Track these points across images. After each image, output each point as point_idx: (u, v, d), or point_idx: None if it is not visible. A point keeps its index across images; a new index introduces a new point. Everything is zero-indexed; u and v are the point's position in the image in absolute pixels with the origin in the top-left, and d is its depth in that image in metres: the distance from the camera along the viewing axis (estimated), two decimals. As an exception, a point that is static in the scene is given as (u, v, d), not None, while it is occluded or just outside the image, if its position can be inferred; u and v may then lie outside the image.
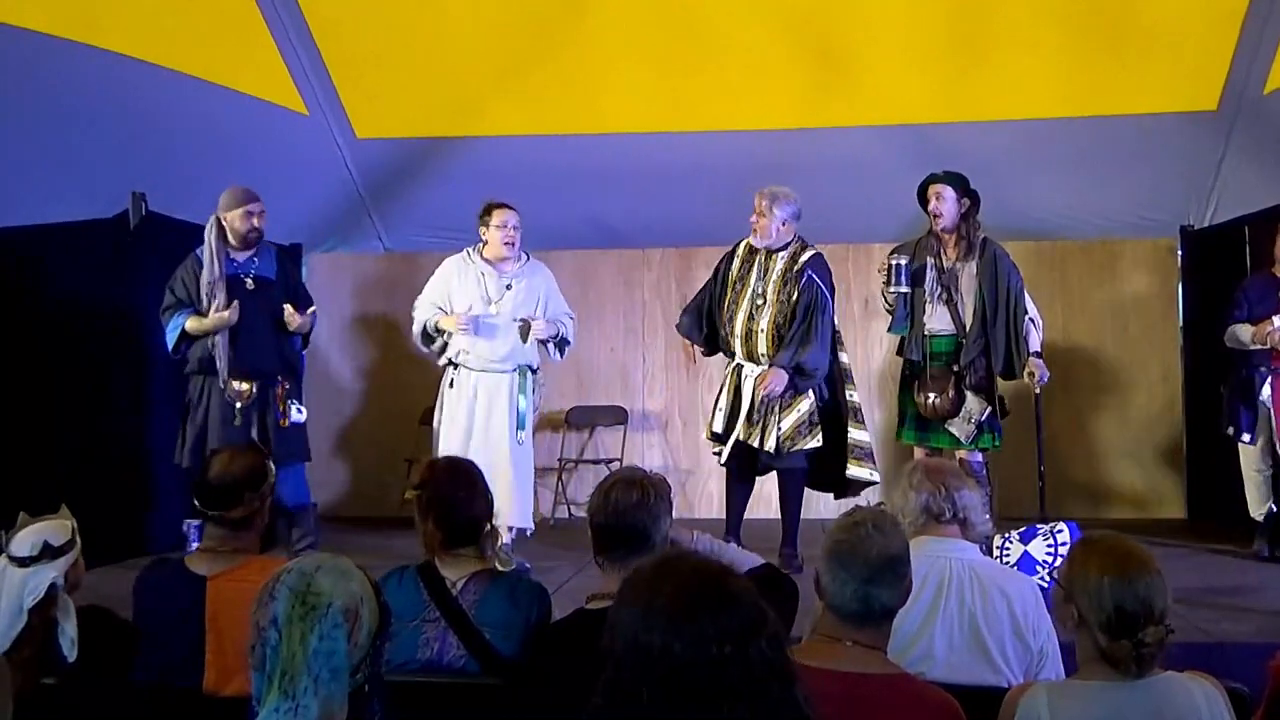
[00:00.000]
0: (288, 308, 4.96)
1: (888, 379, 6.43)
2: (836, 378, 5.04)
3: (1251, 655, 2.69)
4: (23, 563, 2.37)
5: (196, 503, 2.61)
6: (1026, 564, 4.16)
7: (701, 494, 6.83)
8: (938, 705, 1.94)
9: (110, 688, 2.46)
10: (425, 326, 5.15)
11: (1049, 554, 4.18)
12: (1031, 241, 6.69)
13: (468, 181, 6.83)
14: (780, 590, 2.48)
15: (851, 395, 5.06)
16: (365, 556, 5.22)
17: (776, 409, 4.87)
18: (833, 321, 5.01)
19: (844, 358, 5.12)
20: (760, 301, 4.95)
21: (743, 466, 5.04)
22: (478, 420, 5.10)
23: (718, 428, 5.04)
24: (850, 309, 6.84)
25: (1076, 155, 6.47)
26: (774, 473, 5.07)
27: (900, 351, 5.16)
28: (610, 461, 6.74)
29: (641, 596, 1.45)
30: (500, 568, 4.98)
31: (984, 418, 4.90)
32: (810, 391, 4.91)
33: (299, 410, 5.07)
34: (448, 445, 5.02)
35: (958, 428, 4.91)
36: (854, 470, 4.98)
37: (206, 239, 4.92)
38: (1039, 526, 4.37)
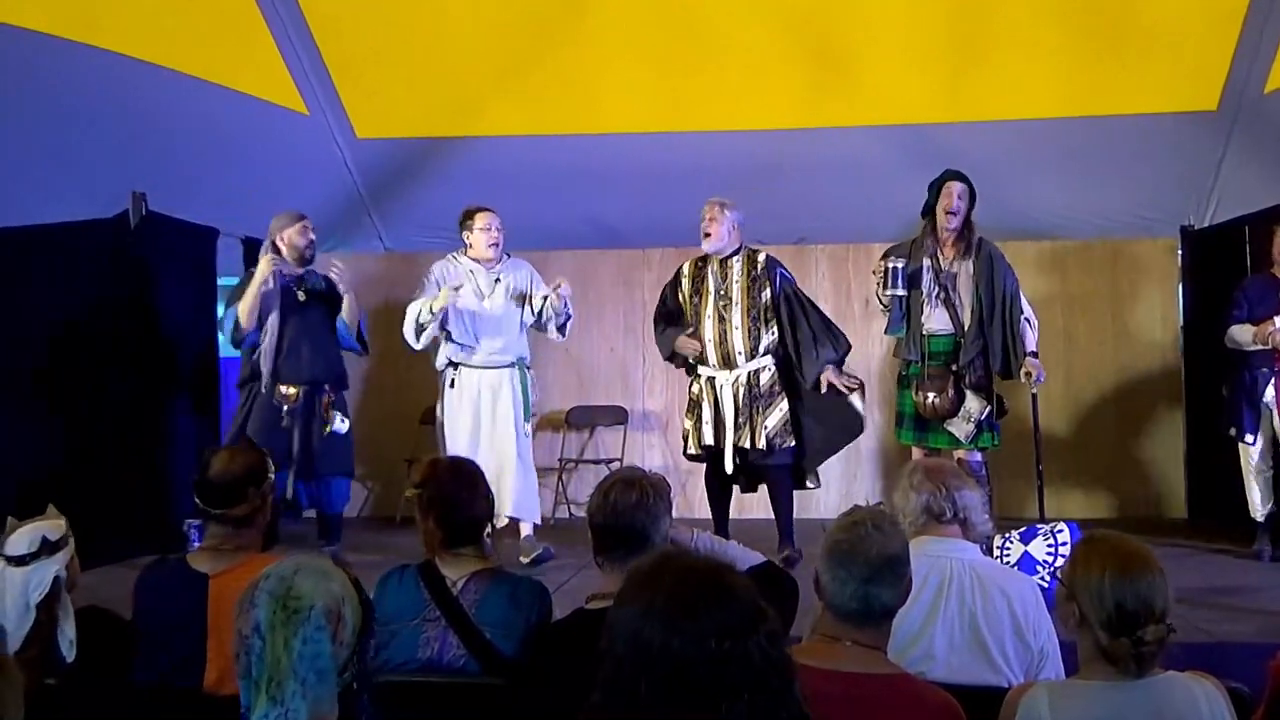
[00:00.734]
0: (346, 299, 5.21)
1: (888, 379, 6.43)
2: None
3: (1252, 655, 2.69)
4: (22, 561, 2.38)
5: (198, 501, 2.61)
6: (1026, 564, 4.16)
7: (701, 494, 6.78)
8: (938, 705, 1.94)
9: (111, 688, 2.46)
10: (417, 317, 5.12)
11: (1049, 554, 4.18)
12: (1031, 241, 6.69)
13: (468, 181, 6.83)
14: (780, 587, 2.48)
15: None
16: (365, 556, 5.30)
17: (761, 409, 4.98)
18: None
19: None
20: (725, 303, 5.05)
21: (723, 475, 5.13)
22: (484, 417, 5.13)
23: (709, 440, 5.06)
24: (850, 309, 6.84)
25: (1076, 155, 6.47)
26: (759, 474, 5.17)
27: (896, 352, 5.17)
28: (610, 461, 6.74)
29: (641, 594, 1.45)
30: (524, 558, 5.09)
31: (983, 416, 4.91)
32: (785, 392, 5.04)
33: (342, 420, 5.21)
34: (454, 445, 5.06)
35: (957, 427, 4.91)
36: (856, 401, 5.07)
37: (261, 258, 5.22)
38: (1039, 526, 4.36)
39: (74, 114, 5.65)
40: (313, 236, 5.33)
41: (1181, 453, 6.68)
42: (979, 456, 4.98)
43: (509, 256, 5.35)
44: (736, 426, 4.98)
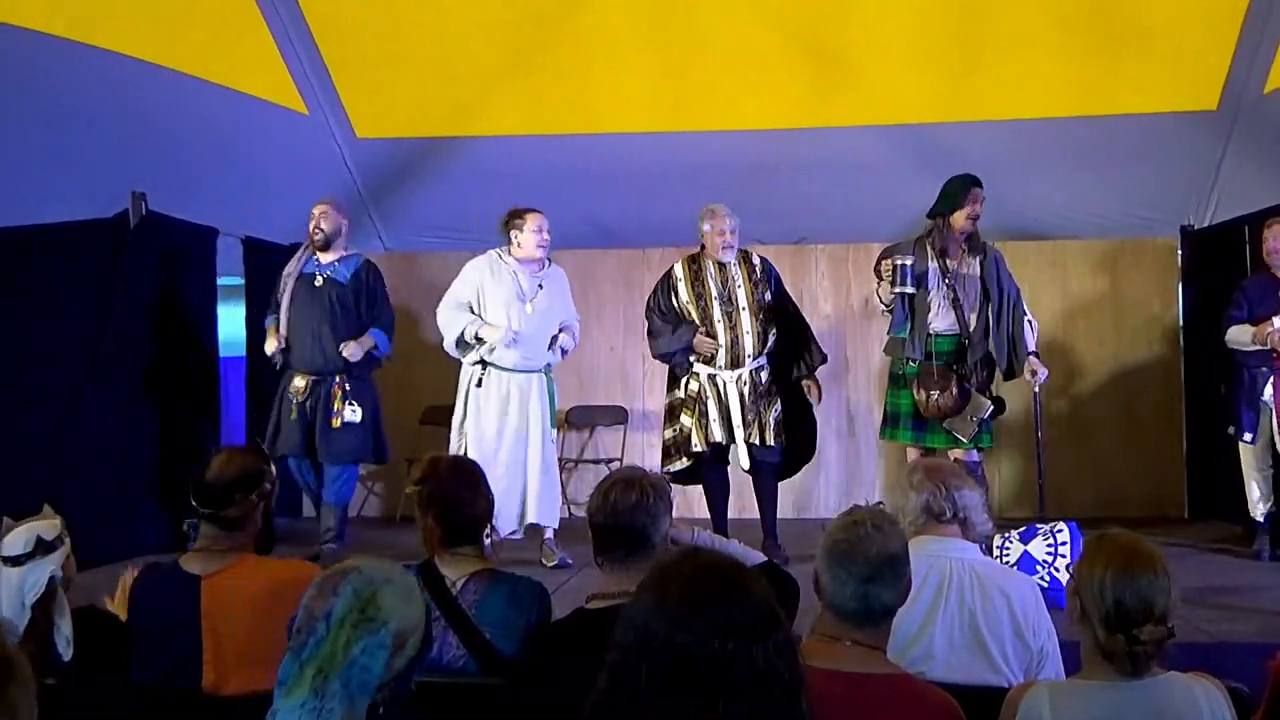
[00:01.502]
0: (348, 344, 5.25)
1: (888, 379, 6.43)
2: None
3: (1252, 655, 2.69)
4: (17, 561, 2.38)
5: (193, 501, 2.62)
6: (1026, 564, 4.16)
7: (701, 494, 6.82)
8: (938, 705, 1.94)
9: (110, 688, 2.46)
10: (463, 334, 5.11)
11: (1049, 554, 4.18)
12: (1031, 241, 6.69)
13: (468, 181, 6.84)
14: (782, 587, 2.47)
15: None
16: (365, 555, 5.27)
17: (766, 405, 5.06)
18: None
19: None
20: (731, 307, 5.09)
21: (724, 475, 5.19)
22: (510, 420, 5.09)
23: (718, 437, 5.06)
24: (850, 309, 6.85)
25: (1076, 155, 6.47)
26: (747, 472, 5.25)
27: (889, 350, 5.14)
28: (610, 461, 6.74)
29: (658, 586, 1.46)
30: (546, 563, 5.10)
31: (986, 415, 4.90)
32: (779, 391, 5.18)
33: (353, 410, 5.18)
34: (477, 443, 5.04)
35: (960, 425, 4.89)
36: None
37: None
38: (1039, 526, 4.36)
39: (74, 114, 5.64)
40: (323, 225, 5.37)
41: (1182, 452, 6.68)
42: (976, 456, 4.98)
43: (551, 262, 5.30)
44: (746, 423, 5.03)
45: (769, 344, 5.13)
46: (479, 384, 5.11)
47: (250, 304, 6.48)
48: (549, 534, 5.18)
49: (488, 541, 2.66)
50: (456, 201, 7.06)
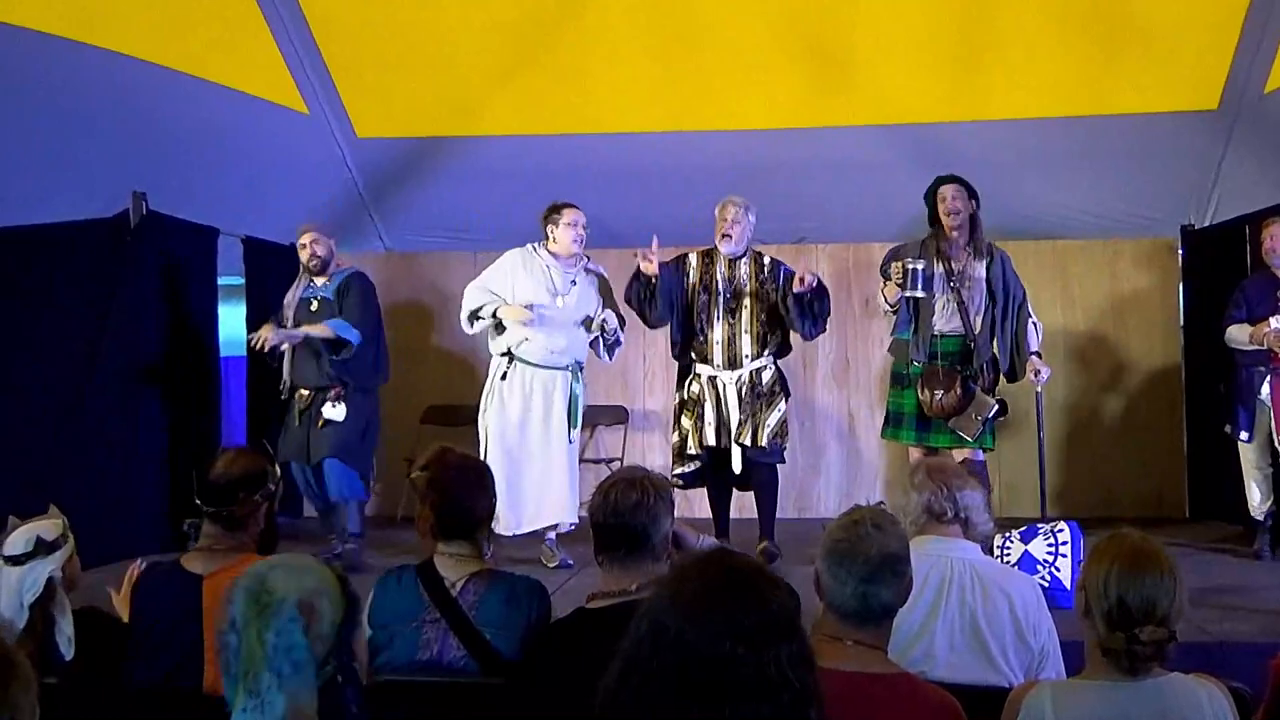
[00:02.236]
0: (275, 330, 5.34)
1: (888, 379, 6.42)
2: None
3: (1253, 655, 2.70)
4: (17, 560, 2.39)
5: (197, 499, 2.62)
6: (1027, 563, 4.16)
7: (702, 493, 6.81)
8: (938, 705, 1.94)
9: (111, 688, 2.46)
10: (480, 310, 5.10)
11: (1049, 554, 4.18)
12: (1031, 241, 6.68)
13: (468, 181, 6.84)
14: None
15: None
16: (366, 555, 5.29)
17: (763, 407, 5.01)
18: None
19: None
20: (735, 305, 5.06)
21: (725, 475, 5.14)
22: (534, 415, 5.07)
23: (711, 440, 5.03)
24: (850, 309, 6.84)
25: (1076, 155, 6.47)
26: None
27: (892, 350, 5.13)
28: (611, 461, 6.74)
29: (678, 581, 1.46)
30: (546, 563, 5.11)
31: (990, 414, 4.90)
32: (784, 393, 5.11)
33: (335, 409, 5.28)
34: (498, 436, 5.05)
35: (965, 425, 4.87)
36: None
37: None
38: (1039, 526, 4.36)
39: (74, 114, 5.64)
40: (318, 251, 5.42)
41: (1182, 452, 6.67)
42: (981, 456, 4.97)
43: (588, 259, 5.29)
44: (739, 425, 4.99)
45: (770, 347, 5.10)
46: (503, 377, 5.10)
47: (250, 304, 6.47)
48: (550, 535, 5.18)
49: (488, 547, 2.64)
50: (457, 201, 7.06)
